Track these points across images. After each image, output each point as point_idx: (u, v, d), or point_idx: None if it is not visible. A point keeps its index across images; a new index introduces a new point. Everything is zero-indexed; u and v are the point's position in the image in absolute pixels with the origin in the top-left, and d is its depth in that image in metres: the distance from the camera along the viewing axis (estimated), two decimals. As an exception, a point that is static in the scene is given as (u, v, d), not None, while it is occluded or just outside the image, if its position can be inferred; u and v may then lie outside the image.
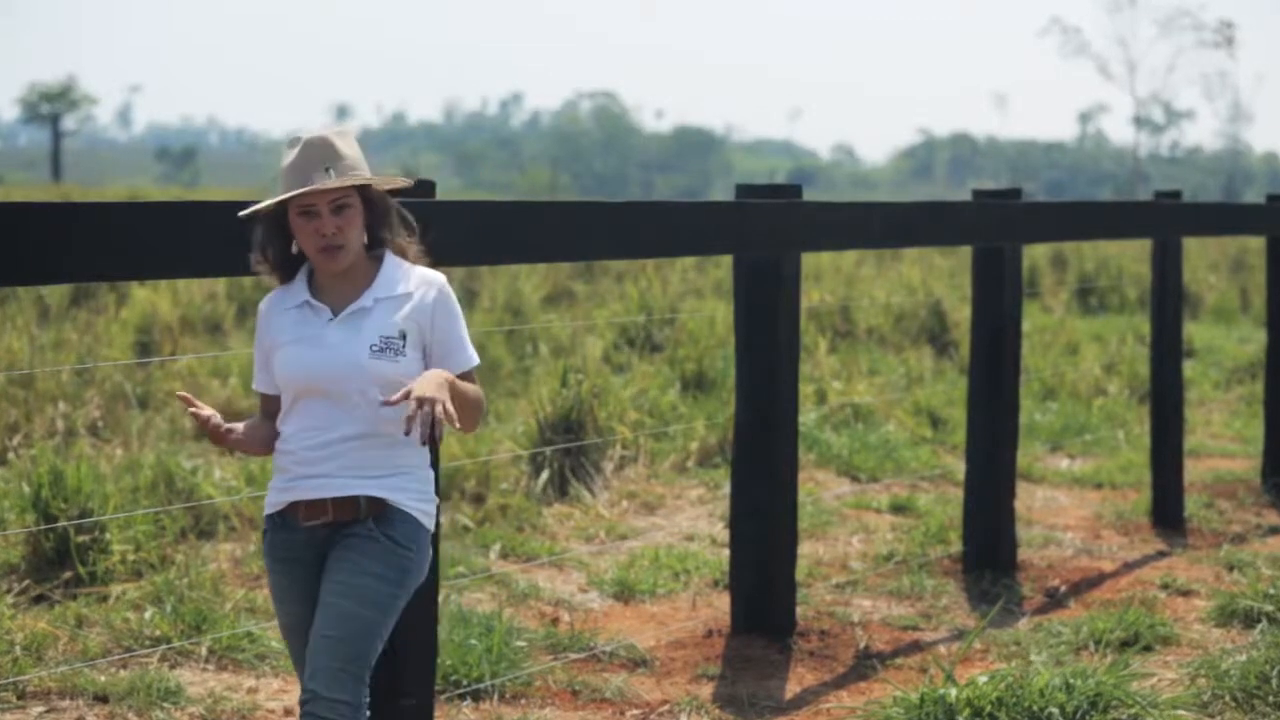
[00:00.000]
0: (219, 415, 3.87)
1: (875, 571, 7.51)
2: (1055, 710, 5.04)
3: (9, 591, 6.43)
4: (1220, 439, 11.72)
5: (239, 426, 3.96)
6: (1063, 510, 9.15)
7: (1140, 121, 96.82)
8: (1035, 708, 5.05)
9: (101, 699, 5.43)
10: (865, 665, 6.14)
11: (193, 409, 3.81)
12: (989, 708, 5.05)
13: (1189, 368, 13.76)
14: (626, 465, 9.39)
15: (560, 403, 9.23)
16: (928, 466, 9.99)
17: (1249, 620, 6.64)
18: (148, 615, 6.10)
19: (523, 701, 5.62)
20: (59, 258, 3.96)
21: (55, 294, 14.51)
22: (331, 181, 3.78)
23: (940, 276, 19.80)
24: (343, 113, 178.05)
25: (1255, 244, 25.31)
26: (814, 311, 15.25)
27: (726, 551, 6.96)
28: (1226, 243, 28.44)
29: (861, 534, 8.31)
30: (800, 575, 6.99)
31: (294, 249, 3.90)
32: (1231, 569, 7.68)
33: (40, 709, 5.36)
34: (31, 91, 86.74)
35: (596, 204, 5.71)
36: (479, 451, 8.86)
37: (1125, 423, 11.80)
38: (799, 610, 6.61)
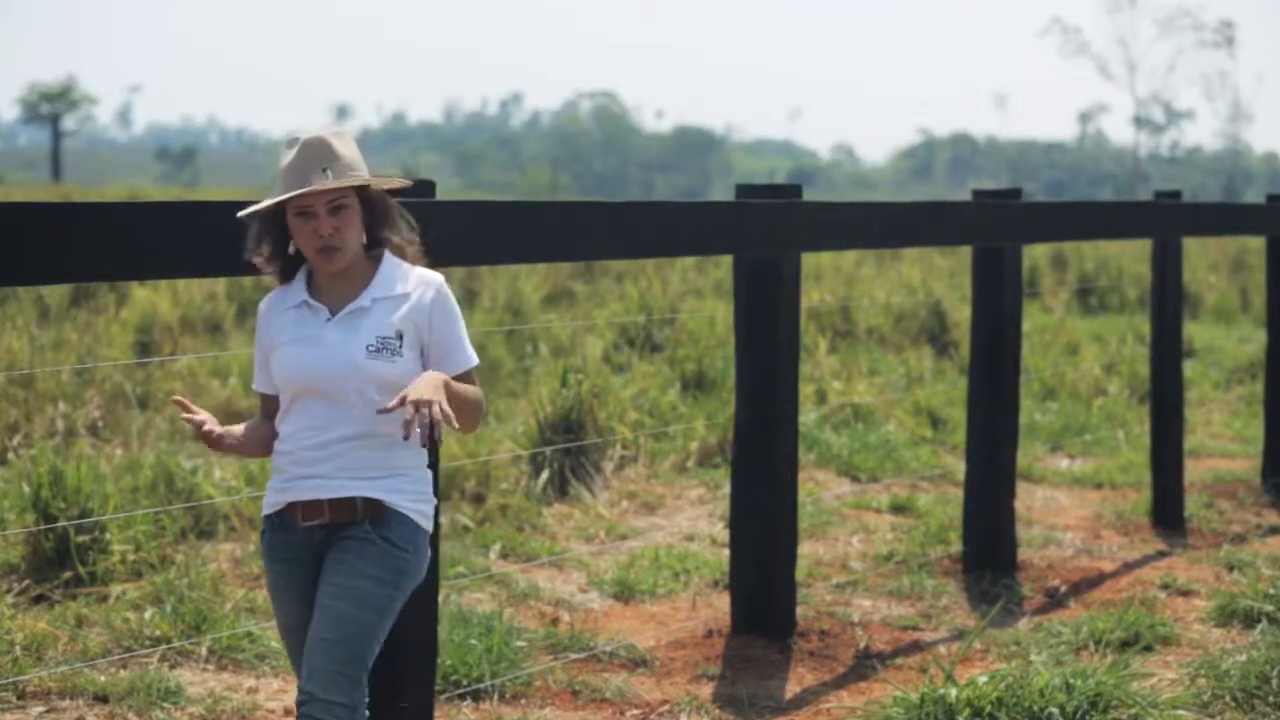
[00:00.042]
0: (214, 421, 3.86)
1: (875, 571, 7.51)
2: (1055, 710, 5.04)
3: (9, 591, 6.43)
4: (1220, 439, 11.72)
5: (236, 429, 3.95)
6: (1063, 510, 9.15)
7: (1140, 121, 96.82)
8: (1035, 708, 5.05)
9: (101, 699, 5.44)
10: (865, 665, 6.14)
11: (186, 415, 3.81)
12: (989, 708, 5.05)
13: (1189, 368, 13.76)
14: (626, 465, 9.39)
15: (560, 403, 9.23)
16: (928, 466, 9.99)
17: (1249, 620, 6.64)
18: (148, 615, 6.10)
19: (523, 701, 5.62)
20: (59, 258, 3.96)
21: (55, 294, 14.51)
22: (328, 183, 3.78)
23: (940, 276, 19.80)
24: (343, 113, 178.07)
25: (1255, 244, 25.31)
26: (814, 311, 15.25)
27: (726, 551, 6.96)
28: (1226, 243, 28.45)
29: (861, 534, 8.31)
30: (800, 575, 6.99)
31: (292, 249, 3.90)
32: (1231, 569, 7.68)
33: (40, 709, 5.36)
34: (31, 91, 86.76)
35: (596, 204, 5.71)
36: (479, 451, 8.86)
37: (1125, 423, 11.80)
38: (799, 610, 6.61)
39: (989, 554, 7.48)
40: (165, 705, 5.37)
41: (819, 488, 9.32)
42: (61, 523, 6.69)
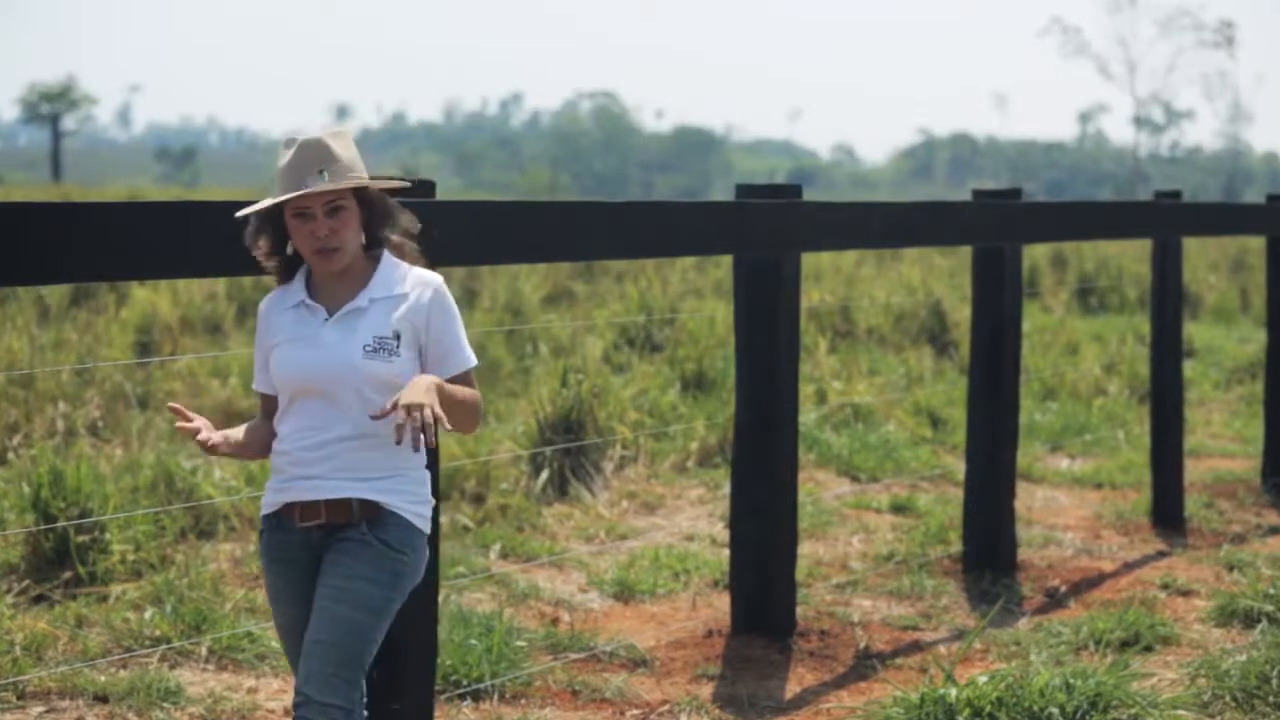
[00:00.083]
0: (209, 427, 3.83)
1: (875, 571, 7.50)
2: (1055, 710, 5.04)
3: (9, 591, 6.43)
4: (1220, 439, 11.72)
5: (235, 434, 3.94)
6: (1063, 510, 9.15)
7: (1140, 121, 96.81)
8: (1035, 708, 5.05)
9: (101, 699, 5.43)
10: (865, 665, 6.14)
11: (181, 425, 3.80)
12: (989, 708, 5.05)
13: (1189, 368, 13.76)
14: (626, 465, 9.39)
15: (560, 403, 9.23)
16: (928, 466, 9.99)
17: (1249, 620, 6.65)
18: (148, 615, 6.10)
19: (523, 701, 5.62)
20: (59, 258, 3.96)
21: (55, 294, 14.51)
22: (324, 185, 3.77)
23: (940, 276, 19.80)
24: (343, 113, 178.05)
25: (1255, 244, 25.31)
26: (814, 311, 15.26)
27: (726, 551, 6.96)
28: (1226, 243, 28.45)
29: (861, 534, 8.31)
30: (800, 575, 6.99)
31: (290, 249, 3.90)
32: (1231, 569, 7.68)
33: (40, 709, 5.36)
34: (31, 91, 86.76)
35: (596, 204, 5.71)
36: (479, 451, 8.86)
37: (1125, 423, 11.80)
38: (799, 610, 6.61)
39: (989, 554, 7.48)
40: (165, 705, 5.37)
41: (819, 488, 9.32)
42: (61, 523, 6.69)
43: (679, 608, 6.87)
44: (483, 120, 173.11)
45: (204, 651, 5.89)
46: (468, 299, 16.70)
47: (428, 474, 3.97)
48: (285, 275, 3.93)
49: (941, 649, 6.30)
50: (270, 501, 3.91)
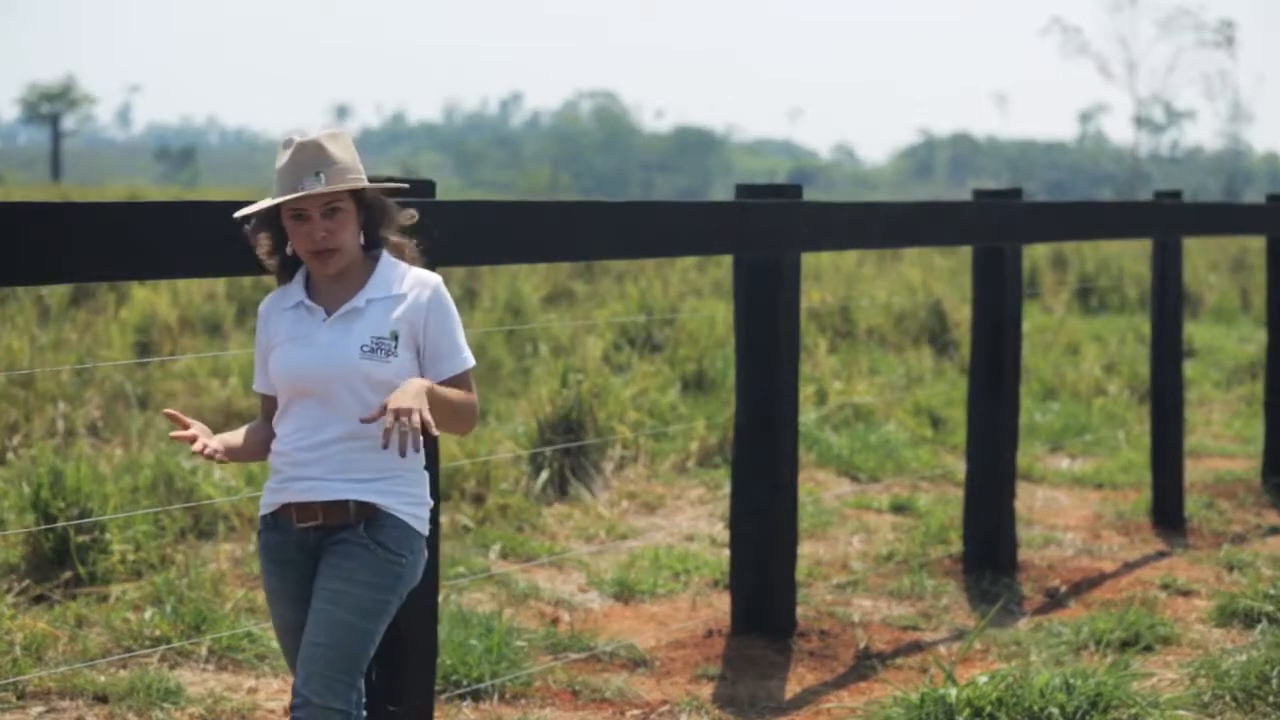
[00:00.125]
0: (207, 433, 3.82)
1: (875, 571, 7.50)
2: (1055, 710, 5.04)
3: (9, 591, 6.42)
4: (1220, 439, 11.72)
5: (234, 438, 3.93)
6: (1063, 510, 9.15)
7: (1140, 121, 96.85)
8: (1035, 708, 5.05)
9: (101, 699, 5.43)
10: (865, 665, 6.14)
11: (177, 434, 3.78)
12: (989, 708, 5.05)
13: (1189, 368, 13.76)
14: (626, 465, 9.39)
15: (560, 403, 9.23)
16: (928, 466, 9.99)
17: (1249, 620, 6.65)
18: (148, 615, 6.10)
19: (523, 701, 5.62)
20: (59, 258, 3.95)
21: (55, 294, 14.51)
22: (320, 188, 3.77)
23: (940, 276, 19.81)
24: (343, 113, 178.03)
25: (1255, 244, 25.31)
26: (814, 311, 15.26)
27: (726, 551, 6.96)
28: (1226, 243, 28.45)
29: (862, 534, 8.31)
30: (800, 575, 6.99)
31: (290, 249, 3.90)
32: (1232, 569, 7.68)
33: (40, 709, 5.36)
34: (31, 91, 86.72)
35: (596, 204, 5.71)
36: (479, 451, 8.86)
37: (1125, 423, 11.80)
38: (799, 610, 6.61)
39: (989, 554, 7.48)
40: (165, 705, 5.37)
41: (819, 488, 9.32)
42: (61, 523, 6.68)
43: (679, 608, 6.87)
44: (483, 120, 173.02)
45: (204, 651, 5.89)
46: (468, 299, 16.70)
47: (426, 475, 3.96)
48: (285, 275, 3.94)
49: (942, 649, 6.30)
50: (268, 502, 3.91)
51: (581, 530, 8.14)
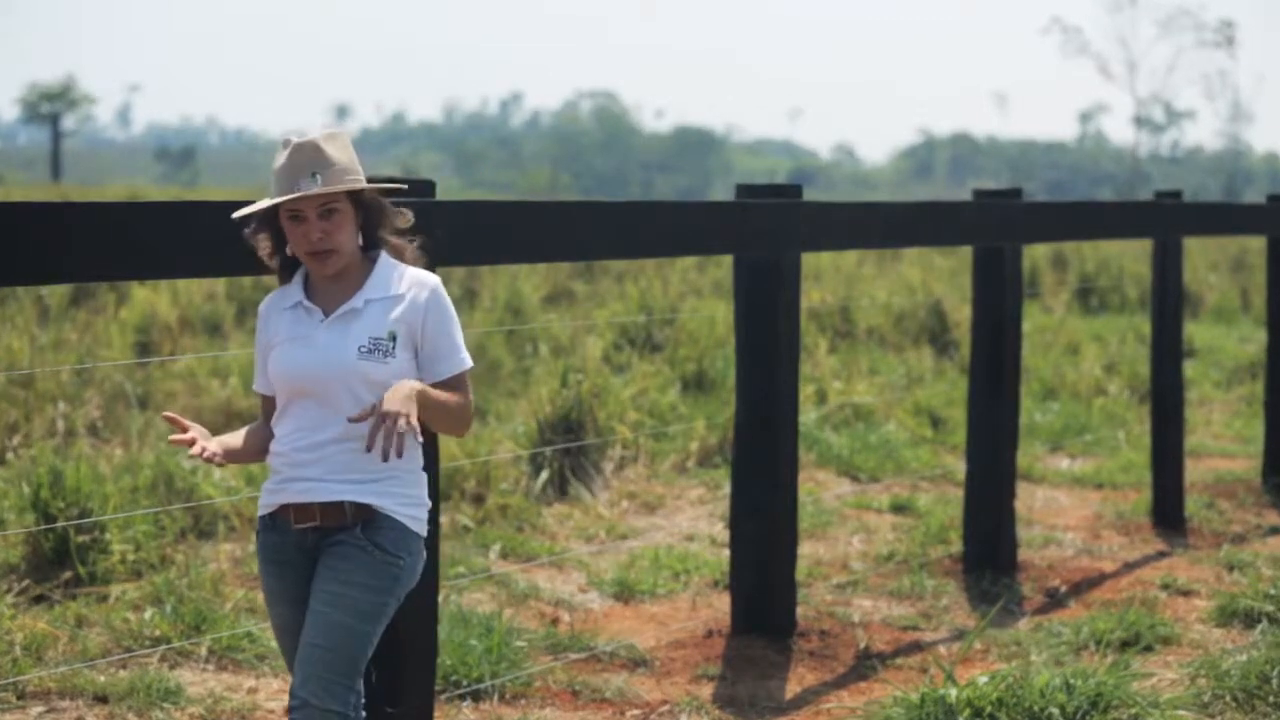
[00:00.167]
0: (205, 435, 3.81)
1: (875, 571, 7.50)
2: (1055, 710, 5.04)
3: (9, 591, 6.42)
4: (1221, 439, 11.72)
5: (234, 440, 3.92)
6: (1063, 510, 9.15)
7: (1140, 121, 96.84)
8: (1035, 708, 5.05)
9: (101, 699, 5.43)
10: (865, 665, 6.14)
11: (175, 438, 3.78)
12: (989, 708, 5.05)
13: (1189, 368, 13.76)
14: (626, 465, 9.39)
15: (560, 403, 9.23)
16: (928, 466, 9.99)
17: (1249, 620, 6.64)
18: (148, 615, 6.10)
19: (523, 702, 5.61)
20: (59, 258, 3.95)
21: (55, 294, 14.51)
22: (316, 189, 3.76)
23: (940, 276, 19.81)
24: (343, 113, 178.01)
25: (1255, 244, 25.31)
26: (814, 311, 15.26)
27: (726, 551, 6.96)
28: (1226, 243, 28.45)
29: (862, 534, 8.30)
30: (800, 575, 6.99)
31: (289, 249, 3.90)
32: (1232, 569, 7.68)
33: (40, 709, 5.36)
34: (31, 91, 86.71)
35: (596, 204, 5.71)
36: (479, 451, 8.86)
37: (1125, 423, 11.80)
38: (799, 610, 6.61)
39: (989, 554, 7.48)
40: (165, 705, 5.37)
41: (819, 488, 9.32)
42: (61, 523, 6.68)
43: (679, 608, 6.87)
44: (483, 120, 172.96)
45: (204, 651, 5.89)
46: (468, 299, 16.70)
47: (424, 476, 3.95)
48: (286, 276, 3.94)
49: (942, 649, 6.29)
50: (266, 502, 3.91)
51: (581, 530, 8.14)
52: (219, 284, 14.87)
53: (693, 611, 6.81)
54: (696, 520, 8.50)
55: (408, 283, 3.88)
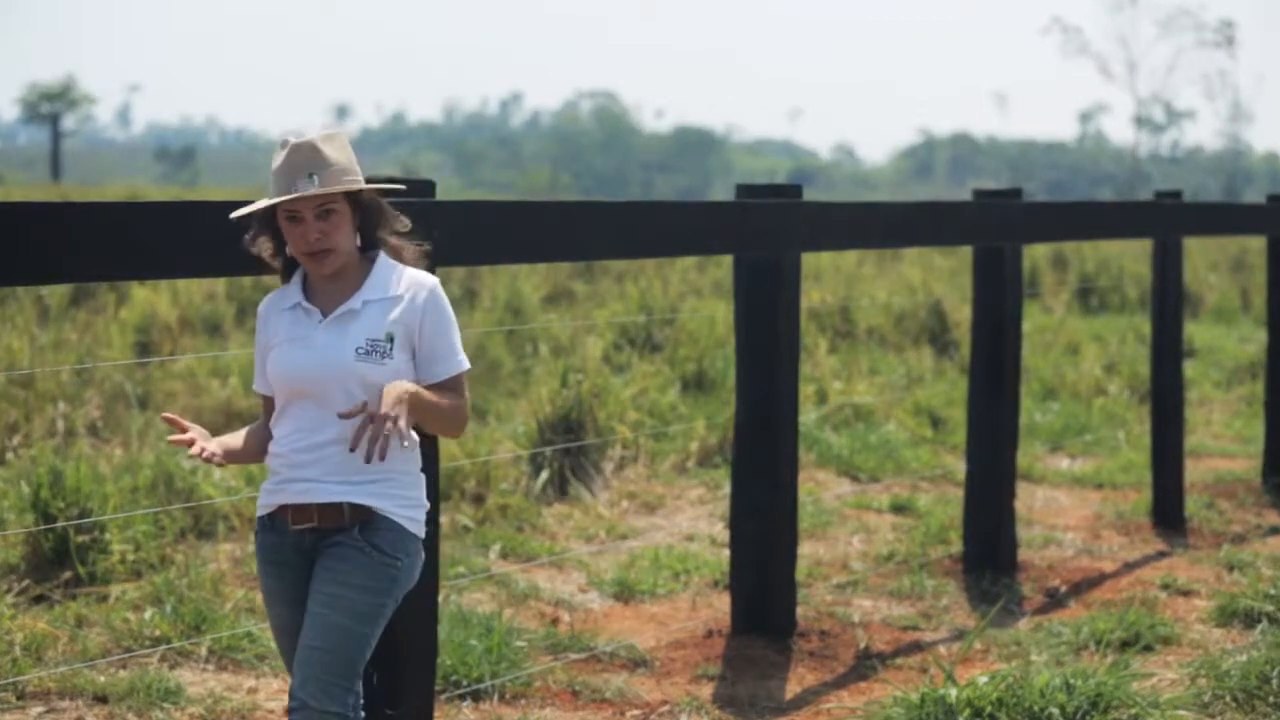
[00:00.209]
0: (205, 436, 3.81)
1: (875, 571, 7.50)
2: (1055, 710, 5.04)
3: (9, 591, 6.42)
4: (1221, 439, 11.72)
5: (234, 441, 3.92)
6: (1063, 510, 9.15)
7: (1141, 121, 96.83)
8: (1035, 708, 5.05)
9: (101, 699, 5.43)
10: (865, 665, 6.14)
11: (174, 439, 3.78)
12: (989, 708, 5.05)
13: (1189, 368, 13.76)
14: (626, 465, 9.39)
15: (560, 403, 9.23)
16: (928, 466, 9.99)
17: (1249, 620, 6.64)
18: (147, 615, 6.10)
19: (523, 702, 5.61)
20: (59, 258, 3.96)
21: (55, 294, 14.51)
22: (313, 190, 3.76)
23: (940, 276, 19.81)
24: (343, 113, 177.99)
25: (1255, 244, 25.31)
26: (814, 311, 15.25)
27: (726, 551, 6.96)
28: (1227, 243, 28.44)
29: (862, 534, 8.30)
30: (800, 575, 6.99)
31: (289, 250, 3.90)
32: (1232, 569, 7.68)
33: (40, 709, 5.36)
34: (31, 91, 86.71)
35: (596, 204, 5.71)
36: (479, 451, 8.86)
37: (1125, 423, 11.80)
38: (799, 610, 6.61)
39: (989, 554, 7.48)
40: (165, 705, 5.37)
41: (819, 488, 9.32)
42: (61, 523, 6.68)
43: (679, 608, 6.87)
44: (483, 120, 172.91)
45: (204, 652, 5.89)
46: (468, 299, 16.70)
47: (422, 477, 3.95)
48: (288, 276, 3.94)
49: (942, 649, 6.29)
50: (265, 503, 3.90)
51: (581, 530, 8.14)
52: (219, 284, 14.87)
53: (693, 611, 6.81)
54: (696, 520, 8.50)
55: (406, 283, 3.88)
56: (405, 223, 3.96)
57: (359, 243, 3.89)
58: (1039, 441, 10.93)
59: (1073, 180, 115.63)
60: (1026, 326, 14.03)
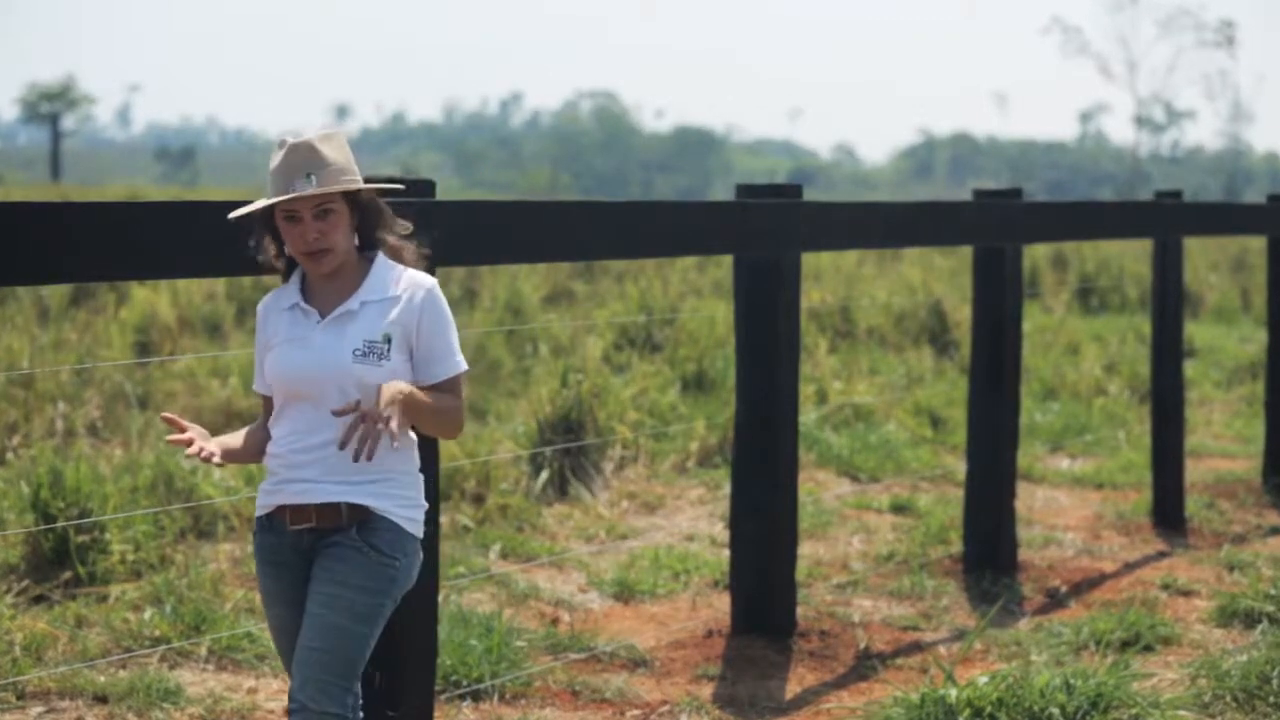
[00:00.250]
0: (204, 436, 3.81)
1: (875, 572, 7.50)
2: (1056, 711, 5.04)
3: (9, 591, 6.42)
4: (1221, 439, 11.72)
5: (233, 441, 3.92)
6: (1063, 510, 9.15)
7: (1141, 121, 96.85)
8: (1035, 708, 5.05)
9: (101, 699, 5.43)
10: (866, 665, 6.14)
11: (172, 439, 3.78)
12: (989, 708, 5.05)
13: (1190, 368, 13.76)
14: (626, 465, 9.39)
15: (560, 403, 9.23)
16: (928, 466, 9.99)
17: (1250, 620, 6.64)
18: (147, 615, 6.10)
19: (523, 702, 5.61)
20: (59, 258, 3.95)
21: (55, 294, 14.51)
22: (310, 190, 3.76)
23: (940, 276, 19.80)
24: (343, 113, 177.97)
25: (1256, 244, 25.31)
26: (814, 311, 15.25)
27: (726, 551, 6.96)
28: (1227, 243, 28.44)
29: (862, 534, 8.30)
30: (800, 575, 6.99)
31: (287, 249, 3.89)
32: (1232, 569, 7.68)
33: (40, 709, 5.36)
34: (31, 91, 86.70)
35: (596, 204, 5.71)
36: (479, 451, 8.86)
37: (1126, 423, 11.80)
38: (799, 610, 6.61)
39: (989, 554, 7.48)
40: (165, 705, 5.37)
41: (819, 488, 9.32)
42: (61, 523, 6.68)
43: (679, 608, 6.87)
44: (483, 120, 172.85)
45: (204, 652, 5.89)
46: (468, 299, 16.70)
47: (421, 477, 3.94)
48: (287, 276, 3.94)
49: (942, 649, 6.29)
50: (263, 503, 3.90)
51: (581, 530, 8.14)
52: (219, 284, 14.87)
53: (693, 611, 6.81)
54: (696, 520, 8.50)
55: (404, 284, 3.87)
56: (406, 226, 3.96)
57: (357, 243, 3.88)
58: (1039, 441, 10.93)
59: (1073, 180, 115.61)
60: (1026, 326, 14.02)
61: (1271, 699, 5.47)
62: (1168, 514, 8.73)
